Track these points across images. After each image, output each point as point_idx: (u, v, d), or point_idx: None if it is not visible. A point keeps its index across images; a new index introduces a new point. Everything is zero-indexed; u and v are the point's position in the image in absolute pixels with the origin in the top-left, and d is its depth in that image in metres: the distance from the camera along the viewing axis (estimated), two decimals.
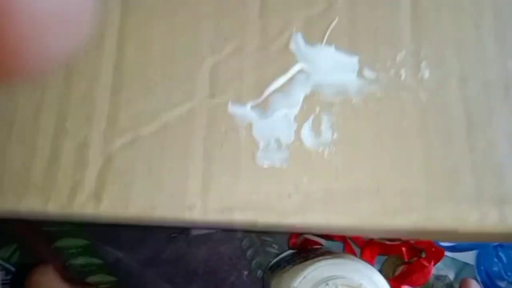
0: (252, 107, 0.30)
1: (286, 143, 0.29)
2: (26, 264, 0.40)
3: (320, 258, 0.33)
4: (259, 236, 0.43)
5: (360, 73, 0.31)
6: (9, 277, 0.41)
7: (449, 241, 0.44)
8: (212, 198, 0.28)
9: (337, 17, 0.32)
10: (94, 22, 0.11)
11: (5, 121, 0.29)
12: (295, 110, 0.30)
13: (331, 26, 0.32)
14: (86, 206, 0.27)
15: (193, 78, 0.30)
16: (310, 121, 0.30)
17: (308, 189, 0.28)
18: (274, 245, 0.44)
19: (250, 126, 0.29)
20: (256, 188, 0.28)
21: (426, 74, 0.31)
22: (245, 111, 0.30)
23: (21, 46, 0.10)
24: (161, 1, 0.32)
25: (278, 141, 0.29)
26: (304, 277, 0.32)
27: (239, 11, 0.32)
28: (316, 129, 0.30)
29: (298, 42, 0.31)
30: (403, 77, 0.31)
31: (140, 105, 0.29)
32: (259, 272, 0.43)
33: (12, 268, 0.41)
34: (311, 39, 0.32)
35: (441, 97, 0.31)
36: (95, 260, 0.42)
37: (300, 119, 0.30)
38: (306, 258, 0.35)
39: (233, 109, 0.30)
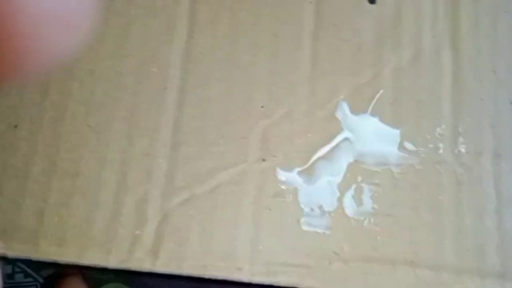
0: (298, 173, 0.31)
1: (328, 210, 0.31)
2: (55, 274, 0.42)
3: None
4: None
5: (401, 145, 0.32)
6: (27, 279, 0.42)
7: None
8: (259, 261, 0.29)
9: (383, 89, 0.33)
10: (95, 23, 0.11)
11: (70, 173, 0.30)
12: (339, 178, 0.31)
13: (376, 97, 0.33)
14: (144, 262, 0.29)
15: (246, 139, 0.31)
16: (352, 189, 0.31)
17: (348, 256, 0.30)
18: None
19: (296, 191, 0.31)
20: (299, 252, 0.30)
21: (463, 149, 0.32)
22: (292, 176, 0.31)
23: (20, 45, 0.10)
24: (220, 62, 0.32)
25: (321, 207, 0.31)
26: None
27: (290, 75, 0.33)
28: (358, 198, 0.31)
29: (344, 110, 0.32)
30: (441, 151, 0.32)
31: (196, 164, 0.31)
32: None
33: (30, 272, 0.42)
34: (357, 108, 0.33)
35: (475, 173, 0.32)
36: None
37: (343, 187, 0.31)
38: None
39: (281, 173, 0.31)
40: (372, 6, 0.34)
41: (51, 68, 0.11)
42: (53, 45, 0.10)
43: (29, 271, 0.43)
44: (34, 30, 0.10)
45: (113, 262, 0.28)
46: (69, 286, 0.36)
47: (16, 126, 0.30)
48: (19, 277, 0.43)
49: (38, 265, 0.43)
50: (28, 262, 0.42)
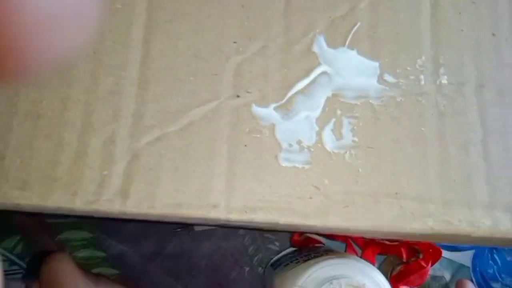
0: (275, 108, 0.28)
1: (308, 145, 0.28)
2: (42, 252, 0.39)
3: (324, 257, 0.32)
4: (261, 233, 0.42)
5: (380, 78, 0.29)
6: (13, 267, 0.39)
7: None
8: (235, 198, 0.26)
9: (359, 22, 0.30)
10: (97, 22, 0.10)
11: (31, 115, 0.27)
12: (317, 113, 0.28)
13: (353, 30, 0.30)
14: (112, 203, 0.26)
15: (218, 76, 0.29)
16: (331, 124, 0.28)
17: (329, 191, 0.27)
18: (276, 243, 0.42)
19: (273, 127, 0.28)
20: (278, 188, 0.27)
21: (445, 80, 0.30)
22: (268, 112, 0.28)
23: (21, 45, 0.09)
24: None
25: (300, 142, 0.28)
26: (308, 276, 0.31)
27: (264, 10, 0.30)
28: (337, 132, 0.28)
29: (321, 44, 0.30)
30: (422, 82, 0.30)
31: (166, 102, 0.28)
32: (260, 269, 0.42)
33: (16, 259, 0.40)
34: (334, 42, 0.30)
35: (458, 104, 0.29)
36: (99, 253, 0.40)
37: (322, 121, 0.28)
38: (309, 257, 0.33)
39: (257, 109, 0.28)
40: None
41: (51, 68, 0.10)
42: (54, 45, 0.10)
43: (15, 258, 0.39)
44: (34, 29, 0.09)
45: (79, 204, 0.25)
46: (58, 263, 0.33)
47: None
48: (4, 266, 0.40)
49: (23, 251, 0.40)
50: (12, 249, 0.39)
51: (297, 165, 0.27)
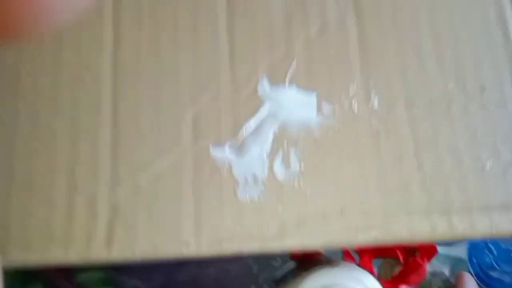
0: (230, 149, 0.32)
1: (261, 178, 0.31)
2: None
3: (318, 268, 0.35)
4: None
5: (319, 109, 0.33)
6: None
7: None
8: (203, 234, 0.30)
9: (296, 60, 0.33)
10: None
11: (25, 183, 0.31)
12: (267, 147, 0.32)
13: (291, 69, 0.33)
14: (100, 253, 0.29)
15: (178, 127, 0.32)
16: (280, 156, 0.32)
17: (283, 216, 0.30)
18: (277, 258, 0.45)
19: (230, 166, 0.31)
20: (239, 221, 0.30)
21: (376, 102, 0.33)
22: (224, 153, 0.32)
23: (23, 7, 0.09)
24: (146, 61, 0.33)
25: (254, 177, 0.31)
26: None
27: (212, 63, 0.33)
28: (286, 163, 0.32)
29: (264, 86, 0.33)
30: (355, 108, 0.33)
31: (135, 157, 0.31)
32: (266, 287, 0.45)
33: None
34: (276, 81, 0.33)
35: (390, 122, 0.32)
36: None
37: (272, 155, 0.32)
38: (306, 269, 0.37)
39: (214, 152, 0.32)
40: None
41: (53, 28, 0.10)
42: (54, 6, 0.10)
43: None
44: None
45: (73, 257, 0.29)
46: None
47: None
48: None
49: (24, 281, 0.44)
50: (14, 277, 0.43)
51: (253, 197, 0.30)
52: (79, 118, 0.32)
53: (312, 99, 0.33)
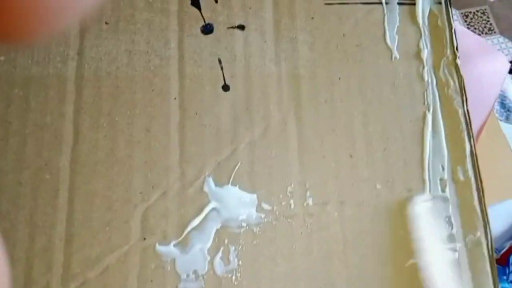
0: (174, 245, 0.33)
1: (201, 274, 0.32)
2: None
3: None
4: None
5: (259, 207, 0.34)
6: None
7: None
8: None
9: (240, 162, 0.35)
10: None
11: None
12: (208, 244, 0.33)
13: (235, 169, 0.35)
14: None
15: (128, 224, 0.33)
16: (220, 252, 0.33)
17: None
18: None
19: (174, 261, 0.32)
20: None
21: (310, 201, 0.34)
22: (169, 249, 0.33)
23: (27, 7, 0.09)
24: (102, 160, 0.34)
25: (195, 272, 0.32)
26: None
27: (162, 162, 0.35)
28: (225, 259, 0.33)
29: (210, 185, 0.34)
30: (292, 206, 0.34)
31: (87, 252, 0.32)
32: None
33: None
34: (220, 181, 0.35)
35: (322, 220, 0.34)
36: None
37: (212, 251, 0.33)
38: None
39: (159, 248, 0.33)
40: (226, 92, 0.36)
41: (64, 25, 0.10)
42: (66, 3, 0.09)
43: None
44: None
45: None
46: None
47: None
48: None
49: None
50: None
51: None
52: (37, 212, 0.33)
53: (253, 197, 0.34)
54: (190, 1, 0.38)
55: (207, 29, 0.37)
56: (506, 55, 1.18)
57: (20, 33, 0.09)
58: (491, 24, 1.21)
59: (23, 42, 0.10)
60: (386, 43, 0.38)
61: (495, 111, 0.57)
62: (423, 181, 0.35)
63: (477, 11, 1.23)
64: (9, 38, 0.10)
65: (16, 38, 0.10)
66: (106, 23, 0.37)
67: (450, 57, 0.37)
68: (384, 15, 0.38)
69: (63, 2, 0.09)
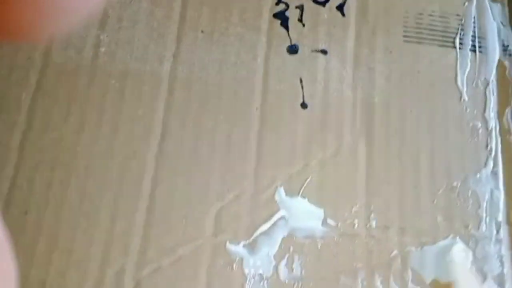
0: (244, 246, 0.34)
1: (266, 277, 0.33)
2: None
3: None
4: None
5: (324, 222, 0.35)
6: None
7: None
8: None
9: (310, 176, 0.36)
10: None
11: (66, 250, 0.33)
12: (275, 249, 0.34)
13: (306, 183, 0.36)
14: None
15: (202, 220, 0.34)
16: (285, 259, 0.34)
17: None
18: None
19: (241, 261, 0.33)
20: None
21: (374, 224, 0.35)
22: (239, 249, 0.34)
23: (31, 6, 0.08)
24: (185, 158, 0.35)
25: (260, 274, 0.33)
26: None
27: (239, 166, 0.36)
28: (290, 267, 0.33)
29: (280, 194, 0.35)
30: (356, 226, 0.35)
31: (163, 241, 0.33)
32: None
33: None
34: (291, 192, 0.35)
35: (383, 243, 0.34)
36: None
37: (278, 257, 0.34)
38: None
39: (229, 247, 0.34)
40: (304, 110, 0.37)
41: (74, 25, 0.10)
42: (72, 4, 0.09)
43: None
44: None
45: None
46: None
47: (26, 212, 0.33)
48: None
49: None
50: None
51: None
52: (120, 197, 0.34)
53: (319, 211, 0.35)
54: (280, 22, 0.39)
55: (293, 49, 0.38)
56: None
57: (20, 30, 0.09)
58: None
59: (23, 40, 0.10)
60: (456, 85, 0.39)
61: None
62: (480, 219, 0.35)
63: None
64: (9, 34, 0.09)
65: (16, 35, 0.09)
66: (202, 31, 0.38)
67: None
68: (456, 59, 0.39)
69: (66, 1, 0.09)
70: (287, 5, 0.39)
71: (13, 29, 0.09)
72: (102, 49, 0.37)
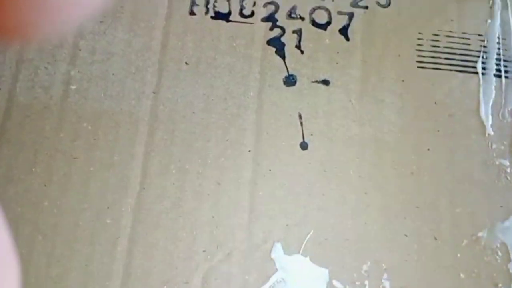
0: None
1: None
2: None
3: None
4: None
5: (330, 284, 0.30)
6: None
7: None
8: None
9: (312, 229, 0.31)
10: None
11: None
12: None
13: (307, 238, 0.31)
14: None
15: (188, 284, 0.29)
16: None
17: None
18: None
19: None
20: None
21: (387, 285, 0.30)
22: None
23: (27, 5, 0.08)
24: (167, 210, 0.31)
25: None
26: None
27: (231, 219, 0.31)
28: None
29: (278, 251, 0.30)
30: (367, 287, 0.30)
31: None
32: None
33: None
34: (290, 249, 0.30)
35: None
36: None
37: None
38: None
39: None
40: (304, 151, 0.32)
41: (70, 25, 0.09)
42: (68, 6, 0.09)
43: None
44: None
45: None
46: None
47: None
48: None
49: None
50: None
51: None
52: (93, 260, 0.29)
53: (324, 272, 0.30)
54: (275, 50, 0.34)
55: (290, 81, 0.33)
56: None
57: (14, 29, 0.09)
58: None
59: (16, 40, 0.09)
60: (480, 116, 0.33)
61: None
62: (511, 276, 0.30)
63: None
64: (2, 32, 0.09)
65: (10, 33, 0.09)
66: (186, 63, 0.33)
67: None
68: (479, 87, 0.34)
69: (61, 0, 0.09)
70: (283, 30, 0.34)
71: (6, 27, 0.09)
72: (73, 87, 0.32)
